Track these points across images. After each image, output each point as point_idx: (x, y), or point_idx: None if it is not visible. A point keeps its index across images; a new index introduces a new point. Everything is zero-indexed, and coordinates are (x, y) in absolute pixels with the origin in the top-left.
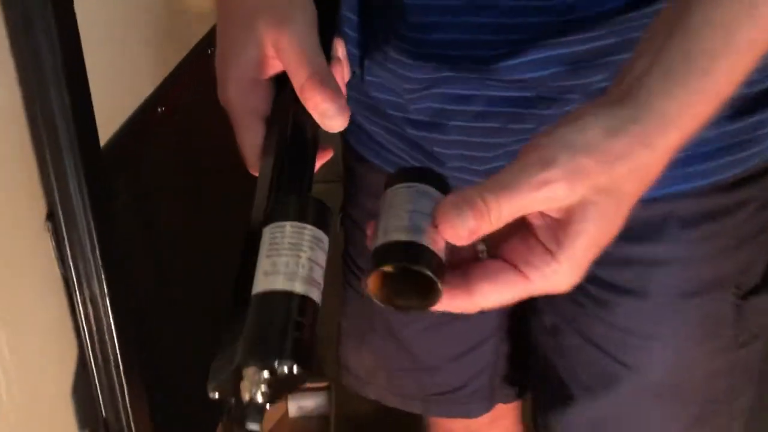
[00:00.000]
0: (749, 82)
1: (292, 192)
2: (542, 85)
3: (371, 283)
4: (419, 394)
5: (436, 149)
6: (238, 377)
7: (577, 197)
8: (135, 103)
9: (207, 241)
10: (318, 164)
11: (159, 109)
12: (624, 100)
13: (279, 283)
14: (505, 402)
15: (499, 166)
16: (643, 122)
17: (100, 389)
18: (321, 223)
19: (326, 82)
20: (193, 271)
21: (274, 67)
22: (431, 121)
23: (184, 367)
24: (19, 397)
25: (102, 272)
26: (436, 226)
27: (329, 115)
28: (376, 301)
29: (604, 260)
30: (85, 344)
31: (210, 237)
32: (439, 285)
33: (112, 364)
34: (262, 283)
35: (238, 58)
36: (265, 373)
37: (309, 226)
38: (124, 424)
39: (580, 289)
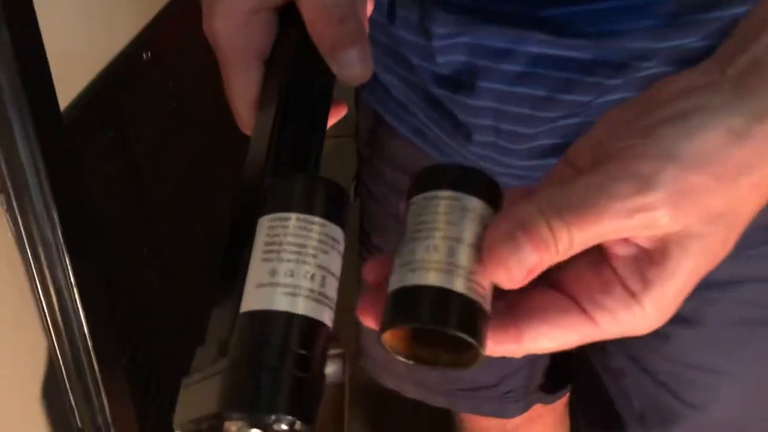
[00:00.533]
0: None
1: (298, 167)
2: (609, 45)
3: (388, 338)
4: (442, 388)
5: (463, 117)
6: (218, 426)
7: (680, 226)
8: (116, 49)
9: (198, 208)
10: (330, 123)
11: (144, 55)
12: (742, 89)
13: (278, 301)
14: (545, 403)
15: (540, 145)
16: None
17: (73, 395)
18: (336, 214)
19: (347, 17)
20: (183, 245)
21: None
22: (459, 79)
23: (172, 361)
24: None
25: (65, 256)
26: (481, 262)
27: (348, 62)
28: (393, 355)
29: None
30: (51, 343)
31: (201, 205)
32: (481, 350)
33: (85, 364)
34: (254, 299)
35: (229, 46)
36: (254, 431)
37: (320, 220)
38: None
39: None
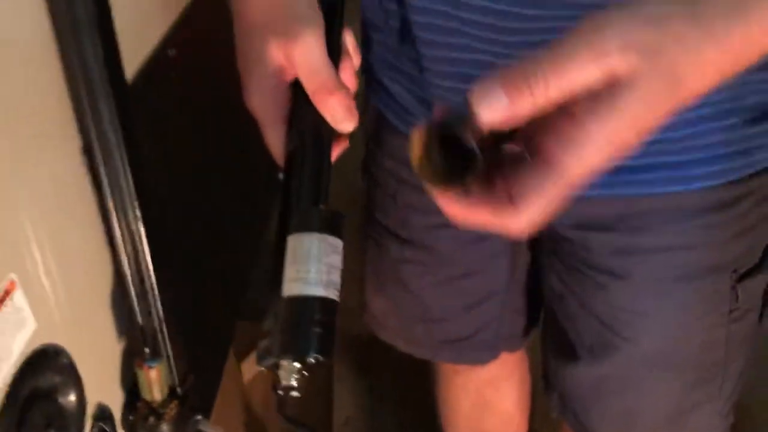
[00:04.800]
0: None
1: (312, 200)
2: None
3: (415, 144)
4: (428, 342)
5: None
6: (277, 366)
7: (629, 66)
8: (147, 46)
9: (218, 178)
10: (335, 155)
11: (169, 52)
12: None
13: (303, 289)
14: (510, 350)
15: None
16: (708, 15)
17: (136, 300)
18: (336, 231)
19: (335, 88)
20: (210, 198)
21: (290, 74)
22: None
23: (205, 281)
24: (66, 307)
25: (135, 199)
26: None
27: (339, 119)
28: (416, 172)
29: (604, 249)
30: (121, 262)
31: (221, 172)
32: (478, 153)
33: (146, 277)
34: (288, 288)
35: (257, 69)
36: (297, 364)
37: (326, 236)
38: (157, 329)
39: (581, 265)
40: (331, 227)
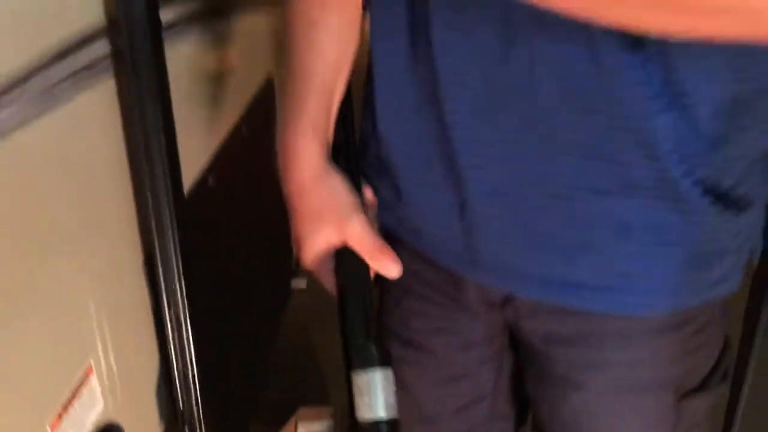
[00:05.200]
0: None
1: (365, 335)
2: None
3: None
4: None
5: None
6: None
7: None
8: (192, 173)
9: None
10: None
11: (209, 180)
12: None
13: (371, 412)
14: None
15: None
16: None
17: (179, 387)
18: (386, 361)
19: (384, 249)
20: (235, 306)
21: (339, 244)
22: None
23: (241, 372)
24: (123, 391)
25: (186, 303)
26: None
27: (390, 269)
28: None
29: (565, 362)
30: (170, 357)
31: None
32: None
33: (189, 368)
34: (361, 415)
35: (314, 241)
36: None
37: (381, 369)
38: (195, 416)
39: (548, 375)
40: (382, 360)
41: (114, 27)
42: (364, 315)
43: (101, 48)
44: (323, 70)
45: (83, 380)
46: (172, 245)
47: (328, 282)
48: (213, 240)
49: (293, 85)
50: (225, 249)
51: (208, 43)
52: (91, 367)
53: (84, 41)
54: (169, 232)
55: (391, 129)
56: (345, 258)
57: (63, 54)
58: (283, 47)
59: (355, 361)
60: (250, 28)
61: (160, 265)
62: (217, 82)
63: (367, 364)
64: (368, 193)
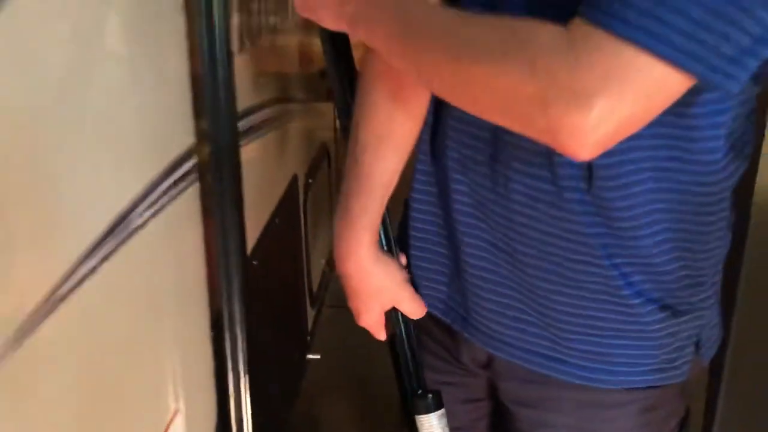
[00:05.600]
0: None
1: (419, 384)
2: None
3: None
4: None
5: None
6: None
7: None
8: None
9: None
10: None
11: (253, 263)
12: None
13: None
14: None
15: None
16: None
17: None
18: (440, 404)
19: (423, 309)
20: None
21: (389, 307)
22: None
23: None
24: None
25: (246, 364)
26: None
27: (410, 309)
28: None
29: (529, 422)
30: (229, 412)
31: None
32: None
33: (245, 426)
34: None
35: (370, 308)
36: None
37: (437, 413)
38: None
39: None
40: (437, 404)
41: (202, 142)
42: (414, 364)
43: (191, 162)
44: (384, 175)
45: (171, 420)
46: (238, 310)
47: (382, 335)
48: (254, 312)
49: (358, 188)
50: (263, 320)
51: (254, 151)
52: (177, 411)
53: (181, 159)
54: (237, 295)
55: None
56: (395, 317)
57: (166, 174)
58: (350, 149)
59: (418, 406)
60: (281, 135)
61: (227, 329)
62: (260, 181)
63: (430, 408)
64: (402, 259)
